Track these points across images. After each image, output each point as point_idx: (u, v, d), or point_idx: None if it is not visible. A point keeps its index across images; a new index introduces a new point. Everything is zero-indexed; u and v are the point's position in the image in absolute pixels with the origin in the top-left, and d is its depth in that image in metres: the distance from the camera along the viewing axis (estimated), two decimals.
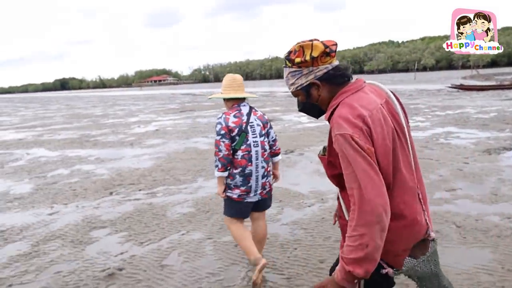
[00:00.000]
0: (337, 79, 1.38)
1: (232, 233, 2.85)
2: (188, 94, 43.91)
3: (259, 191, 2.75)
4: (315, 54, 1.33)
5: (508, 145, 7.10)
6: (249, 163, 2.67)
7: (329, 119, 1.37)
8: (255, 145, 2.70)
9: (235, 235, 2.81)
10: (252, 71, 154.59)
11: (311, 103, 1.45)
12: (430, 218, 1.45)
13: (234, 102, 2.80)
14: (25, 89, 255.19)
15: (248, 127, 2.70)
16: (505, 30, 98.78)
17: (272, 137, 2.87)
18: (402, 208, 1.32)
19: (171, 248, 3.46)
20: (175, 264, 3.15)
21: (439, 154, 6.61)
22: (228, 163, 2.66)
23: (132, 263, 3.22)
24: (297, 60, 1.36)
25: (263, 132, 2.79)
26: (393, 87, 31.43)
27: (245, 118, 2.71)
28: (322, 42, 1.36)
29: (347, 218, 1.40)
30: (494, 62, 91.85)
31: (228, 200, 2.78)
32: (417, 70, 67.40)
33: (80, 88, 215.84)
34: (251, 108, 2.81)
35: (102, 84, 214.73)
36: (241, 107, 2.76)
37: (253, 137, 2.71)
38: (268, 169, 2.81)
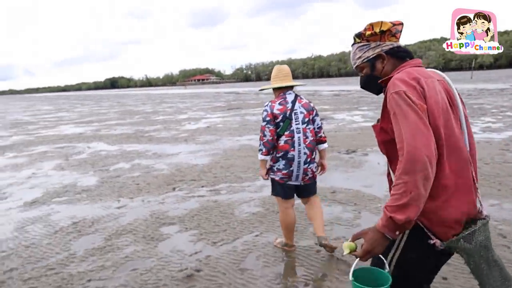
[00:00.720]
0: (401, 54, 1.50)
1: (279, 212, 3.08)
2: (231, 92, 44.25)
3: (300, 177, 2.86)
4: (384, 28, 1.47)
5: None
6: (292, 148, 2.79)
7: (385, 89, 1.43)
8: (297, 132, 2.81)
9: (280, 218, 3.07)
10: (294, 70, 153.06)
11: (374, 75, 1.54)
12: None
13: (281, 91, 2.93)
14: (79, 87, 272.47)
15: (292, 114, 2.81)
16: None
17: (318, 124, 2.95)
18: (453, 176, 1.31)
19: (247, 250, 3.24)
20: (255, 269, 2.93)
21: None
22: (271, 148, 2.83)
23: (209, 264, 3.04)
24: (368, 32, 1.50)
25: (306, 119, 2.86)
26: None
27: (290, 105, 2.82)
28: (390, 21, 1.50)
29: None
30: None
31: (273, 181, 2.97)
32: (474, 68, 63.02)
33: (128, 86, 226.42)
34: (296, 96, 2.90)
35: (148, 82, 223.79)
36: (287, 95, 2.88)
37: (296, 124, 2.81)
38: (312, 156, 2.88)
